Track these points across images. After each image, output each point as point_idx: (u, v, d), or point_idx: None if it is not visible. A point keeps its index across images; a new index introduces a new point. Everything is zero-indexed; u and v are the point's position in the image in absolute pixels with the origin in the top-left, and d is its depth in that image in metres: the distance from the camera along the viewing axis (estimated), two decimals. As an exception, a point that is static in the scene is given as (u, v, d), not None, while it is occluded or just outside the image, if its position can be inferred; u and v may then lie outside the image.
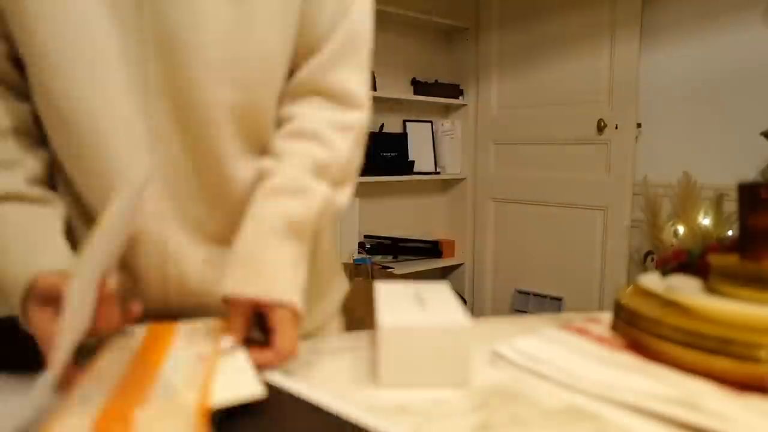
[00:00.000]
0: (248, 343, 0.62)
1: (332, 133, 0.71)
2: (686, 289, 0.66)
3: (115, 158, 0.65)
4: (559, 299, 3.02)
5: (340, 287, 0.92)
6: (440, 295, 0.71)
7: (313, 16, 0.71)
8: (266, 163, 0.70)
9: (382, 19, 3.14)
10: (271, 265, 0.64)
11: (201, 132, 0.67)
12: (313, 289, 0.73)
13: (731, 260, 0.65)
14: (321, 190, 0.69)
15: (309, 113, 0.72)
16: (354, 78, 0.74)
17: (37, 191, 0.66)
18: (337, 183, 0.71)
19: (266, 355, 0.61)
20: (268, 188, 0.68)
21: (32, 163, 0.67)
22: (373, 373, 0.64)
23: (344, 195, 0.74)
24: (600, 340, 0.69)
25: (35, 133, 0.68)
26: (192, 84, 0.65)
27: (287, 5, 0.68)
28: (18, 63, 0.66)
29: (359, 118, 0.75)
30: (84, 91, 0.63)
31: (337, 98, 0.73)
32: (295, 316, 0.64)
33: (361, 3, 0.75)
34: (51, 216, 0.66)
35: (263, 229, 0.65)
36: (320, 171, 0.69)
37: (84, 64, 0.62)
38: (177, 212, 0.69)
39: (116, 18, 0.62)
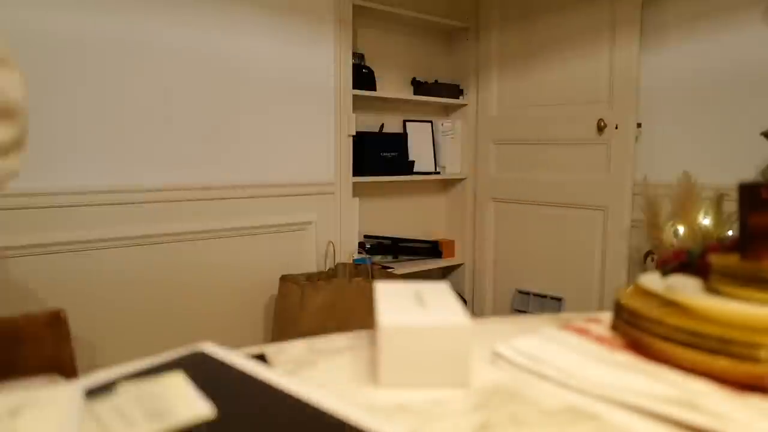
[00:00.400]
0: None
1: None
2: (686, 289, 0.66)
3: None
4: (559, 299, 3.02)
5: None
6: (440, 295, 0.71)
7: None
8: None
9: (383, 19, 3.15)
10: None
11: None
12: None
13: (731, 260, 0.65)
14: None
15: None
16: None
17: None
18: None
19: None
20: None
21: None
22: (373, 372, 0.64)
23: None
24: (600, 340, 0.69)
25: None
26: None
27: None
28: None
29: None
30: None
31: None
32: None
33: None
34: None
35: None
36: None
37: None
38: None
39: None
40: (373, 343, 0.73)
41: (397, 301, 0.68)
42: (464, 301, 3.39)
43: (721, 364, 0.54)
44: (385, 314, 0.63)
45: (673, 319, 0.59)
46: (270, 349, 0.72)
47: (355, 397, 0.58)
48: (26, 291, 1.93)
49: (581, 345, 0.67)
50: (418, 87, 3.26)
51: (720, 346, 0.55)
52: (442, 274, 3.53)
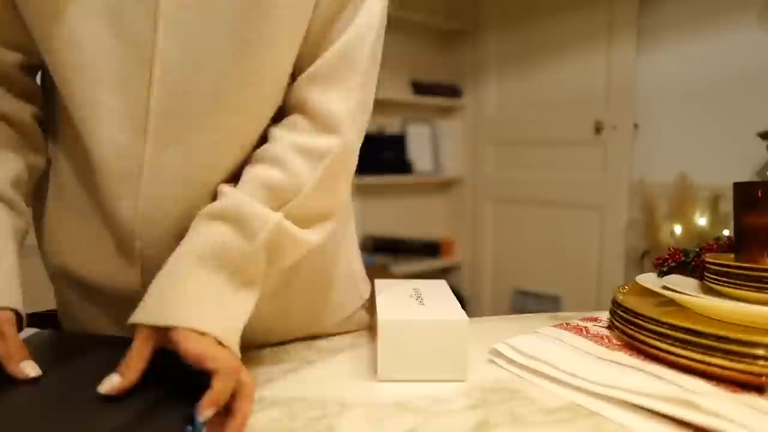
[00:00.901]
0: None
1: (295, 158, 0.62)
2: (683, 288, 0.67)
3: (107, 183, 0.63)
4: (557, 298, 3.02)
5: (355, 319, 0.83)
6: (438, 292, 0.72)
7: (316, 32, 0.64)
8: (223, 186, 0.63)
9: (381, 20, 3.15)
10: (185, 296, 0.55)
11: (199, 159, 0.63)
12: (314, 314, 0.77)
13: (727, 259, 0.65)
14: (271, 218, 0.59)
15: (279, 135, 0.64)
16: (337, 99, 0.64)
17: (10, 193, 0.64)
18: (298, 214, 0.62)
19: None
20: (208, 211, 0.59)
21: (17, 165, 0.65)
22: (373, 370, 0.64)
23: (315, 233, 0.64)
24: (598, 338, 0.69)
25: (31, 134, 0.68)
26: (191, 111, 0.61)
27: (294, 30, 0.63)
28: (30, 70, 0.68)
29: (334, 145, 0.63)
30: (83, 111, 0.61)
31: (316, 119, 0.64)
32: (218, 345, 0.53)
33: (366, 14, 0.65)
34: (8, 228, 0.63)
35: (190, 257, 0.57)
36: (272, 197, 0.60)
37: (84, 84, 0.60)
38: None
39: (121, 40, 0.58)
40: (372, 342, 0.74)
41: (396, 298, 0.69)
42: (462, 301, 3.39)
43: (718, 362, 0.55)
44: (384, 310, 0.64)
45: (670, 318, 0.60)
46: (272, 348, 0.73)
47: (355, 395, 0.58)
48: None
49: (579, 344, 0.68)
50: (418, 88, 3.26)
51: (716, 345, 0.55)
52: (442, 273, 3.52)
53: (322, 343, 0.75)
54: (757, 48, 2.27)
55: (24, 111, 0.67)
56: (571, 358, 0.63)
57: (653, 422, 0.51)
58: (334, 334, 0.78)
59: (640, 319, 0.63)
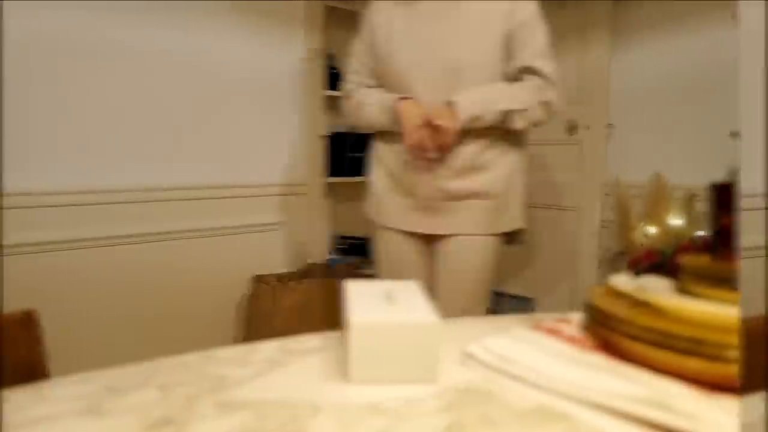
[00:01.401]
0: None
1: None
2: (657, 289, 0.66)
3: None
4: (530, 299, 3.03)
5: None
6: (410, 294, 0.71)
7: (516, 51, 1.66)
8: None
9: (360, 21, 3.12)
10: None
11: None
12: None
13: (702, 261, 0.65)
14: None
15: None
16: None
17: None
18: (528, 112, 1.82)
19: None
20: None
21: None
22: (344, 372, 0.63)
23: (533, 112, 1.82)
24: (571, 340, 0.69)
25: None
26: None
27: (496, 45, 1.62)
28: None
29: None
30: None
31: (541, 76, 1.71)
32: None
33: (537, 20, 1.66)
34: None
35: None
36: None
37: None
38: None
39: (420, 55, 1.61)
40: (342, 343, 0.72)
41: (367, 300, 0.67)
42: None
43: (692, 364, 0.55)
44: (355, 312, 0.63)
45: (644, 320, 0.59)
46: (242, 350, 0.71)
47: (326, 397, 0.57)
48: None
49: (552, 345, 0.67)
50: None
51: (691, 347, 0.55)
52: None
53: (292, 345, 0.73)
54: (730, 48, 2.29)
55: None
56: (543, 360, 0.63)
57: (627, 424, 0.50)
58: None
59: (613, 320, 0.63)
